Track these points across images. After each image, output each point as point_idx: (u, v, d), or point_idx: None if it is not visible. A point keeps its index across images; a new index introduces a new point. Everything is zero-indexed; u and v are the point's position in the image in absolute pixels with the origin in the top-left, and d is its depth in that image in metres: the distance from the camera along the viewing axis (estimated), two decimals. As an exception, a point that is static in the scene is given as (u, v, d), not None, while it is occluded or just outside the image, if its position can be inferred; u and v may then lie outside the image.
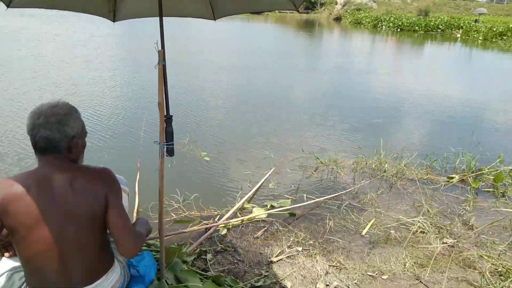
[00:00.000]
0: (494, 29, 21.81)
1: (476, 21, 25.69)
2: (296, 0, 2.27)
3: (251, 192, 3.63)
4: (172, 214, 3.26)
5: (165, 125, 1.99)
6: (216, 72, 9.53)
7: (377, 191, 3.79)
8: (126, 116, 5.74)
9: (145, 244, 2.66)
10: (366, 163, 4.43)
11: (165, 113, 1.99)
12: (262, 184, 3.86)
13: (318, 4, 41.62)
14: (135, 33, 15.57)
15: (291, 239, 2.92)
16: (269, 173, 4.09)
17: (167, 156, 2.01)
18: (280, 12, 41.58)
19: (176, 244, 2.78)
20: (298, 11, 2.48)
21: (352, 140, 5.30)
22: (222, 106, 6.74)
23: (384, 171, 4.22)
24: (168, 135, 1.99)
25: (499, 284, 2.43)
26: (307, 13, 40.77)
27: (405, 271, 2.59)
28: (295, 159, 4.57)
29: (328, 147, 5.00)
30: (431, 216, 3.31)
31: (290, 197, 3.65)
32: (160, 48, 1.95)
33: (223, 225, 3.06)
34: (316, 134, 5.46)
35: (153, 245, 2.63)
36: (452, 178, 4.09)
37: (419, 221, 3.17)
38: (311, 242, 2.91)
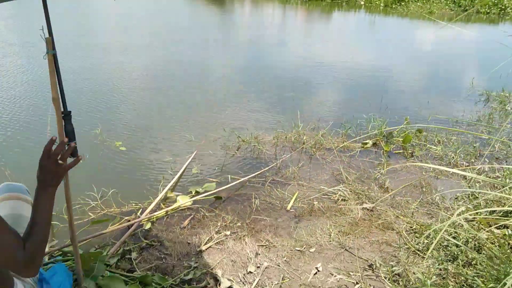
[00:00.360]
0: (393, -4, 23.18)
1: (376, -12, 27.05)
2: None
3: (174, 180, 3.49)
4: (90, 213, 3.03)
5: (63, 123, 1.77)
6: (121, 53, 8.94)
7: (298, 164, 3.87)
8: (24, 111, 5.15)
9: (60, 253, 2.45)
10: (286, 137, 4.49)
11: (62, 109, 1.77)
12: (184, 169, 3.74)
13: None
14: (27, 14, 14.04)
15: (219, 224, 2.87)
16: (191, 157, 3.98)
17: (70, 157, 1.80)
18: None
19: (96, 247, 2.59)
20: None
21: (270, 115, 5.33)
22: (132, 89, 6.32)
23: (303, 143, 4.31)
24: (69, 133, 1.77)
25: (415, 241, 2.62)
26: (217, -15, 39.99)
27: (330, 241, 2.68)
28: (217, 139, 4.48)
29: (248, 124, 4.97)
30: (350, 183, 3.46)
31: (214, 180, 3.58)
32: (47, 35, 1.70)
33: (146, 219, 2.91)
34: (235, 112, 5.40)
35: (70, 253, 2.42)
36: (366, 143, 4.31)
37: (339, 190, 3.30)
38: (238, 224, 2.89)
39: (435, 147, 4.19)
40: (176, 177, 3.55)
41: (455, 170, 2.36)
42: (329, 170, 3.76)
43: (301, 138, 4.43)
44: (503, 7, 20.22)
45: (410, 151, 4.15)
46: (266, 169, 3.76)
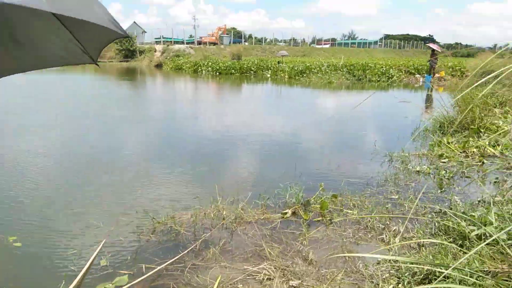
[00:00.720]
0: (296, 69, 25.23)
1: (279, 62, 29.30)
2: (91, 52, 2.07)
3: (79, 277, 3.04)
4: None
5: None
6: (17, 134, 8.22)
7: (219, 243, 3.65)
8: None
9: None
10: (205, 214, 4.28)
11: None
12: (91, 263, 3.29)
13: (138, 52, 41.57)
14: None
15: (132, 327, 2.50)
16: (99, 247, 3.54)
17: None
18: (98, 61, 39.84)
19: None
20: (97, 65, 2.26)
21: (187, 191, 5.11)
22: (28, 176, 5.61)
23: (223, 219, 4.14)
24: None
25: (344, 317, 2.51)
26: (127, 61, 40.23)
27: (259, 330, 2.46)
28: (129, 223, 4.12)
29: (162, 203, 4.68)
30: (274, 258, 3.32)
31: (126, 272, 3.21)
32: None
33: (42, 332, 2.43)
34: (148, 191, 5.08)
35: None
36: (286, 213, 4.26)
37: (264, 268, 3.13)
38: (156, 323, 2.54)
39: (351, 211, 4.28)
40: (81, 273, 3.10)
41: (382, 257, 2.36)
42: (251, 246, 3.60)
43: (221, 213, 4.26)
44: (390, 76, 22.99)
45: (328, 218, 4.17)
46: (185, 252, 3.48)
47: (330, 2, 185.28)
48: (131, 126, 9.71)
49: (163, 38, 47.37)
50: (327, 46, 60.09)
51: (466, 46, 77.36)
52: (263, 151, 7.29)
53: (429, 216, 3.98)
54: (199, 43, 46.46)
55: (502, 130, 7.49)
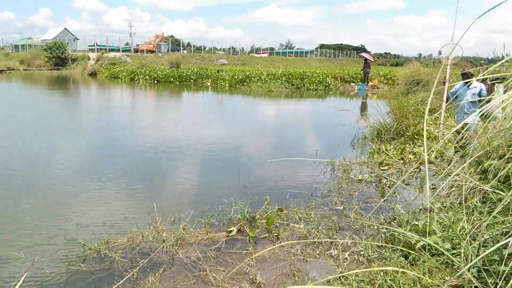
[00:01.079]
0: (236, 77, 25.16)
1: (218, 71, 29.12)
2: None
3: (-9, 324, 2.61)
4: None
5: None
6: None
7: (159, 269, 3.35)
8: None
9: None
10: (143, 236, 3.94)
11: None
12: (8, 304, 2.86)
13: (70, 60, 39.40)
14: None
15: None
16: (19, 282, 3.11)
17: None
18: (25, 69, 37.29)
19: None
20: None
21: (122, 212, 4.70)
22: None
23: (163, 241, 3.83)
24: None
25: None
26: (58, 69, 37.95)
27: None
28: (56, 252, 3.68)
29: (95, 227, 4.24)
30: (219, 284, 3.08)
31: (51, 311, 2.81)
32: None
33: None
34: (78, 214, 4.60)
35: None
36: (231, 231, 4.04)
37: (209, 296, 2.88)
38: None
39: (298, 225, 4.15)
40: (-5, 319, 2.67)
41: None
42: (195, 271, 3.33)
43: (161, 235, 3.94)
44: (327, 85, 23.68)
45: (275, 234, 4.02)
46: (120, 282, 3.14)
47: (267, 11, 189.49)
48: (58, 139, 8.92)
49: (97, 45, 45.30)
50: (266, 55, 61.06)
51: (395, 56, 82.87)
52: (205, 164, 7.01)
53: (375, 227, 3.96)
54: (136, 51, 44.98)
55: (434, 136, 7.85)
